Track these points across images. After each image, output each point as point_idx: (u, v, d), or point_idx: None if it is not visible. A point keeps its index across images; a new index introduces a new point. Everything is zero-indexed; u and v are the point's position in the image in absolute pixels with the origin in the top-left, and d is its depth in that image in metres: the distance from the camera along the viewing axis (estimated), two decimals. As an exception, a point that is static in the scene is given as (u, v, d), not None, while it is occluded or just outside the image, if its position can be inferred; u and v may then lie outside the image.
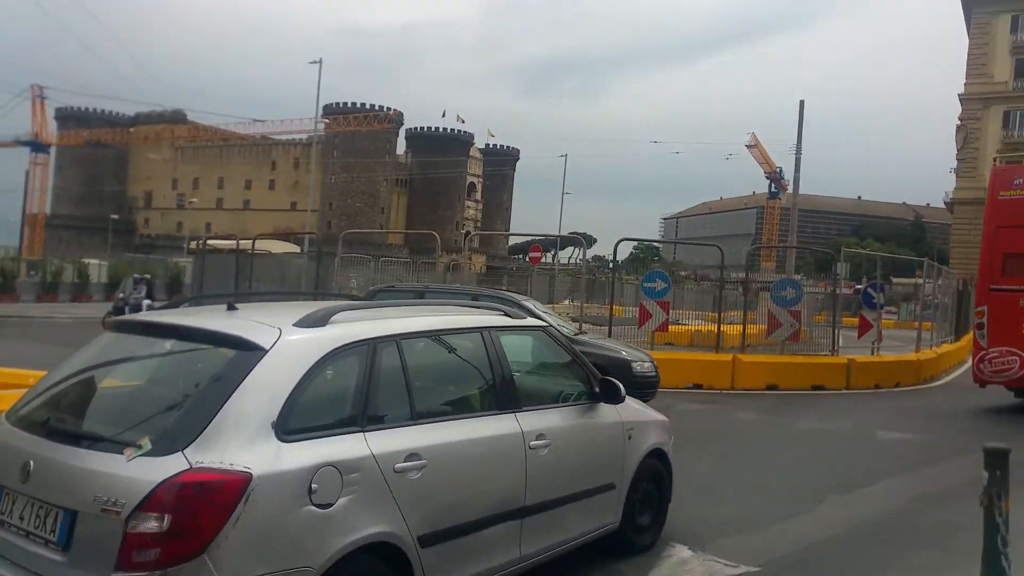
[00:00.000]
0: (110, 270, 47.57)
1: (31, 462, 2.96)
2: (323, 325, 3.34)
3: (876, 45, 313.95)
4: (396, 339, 3.59)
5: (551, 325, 5.74)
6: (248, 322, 3.34)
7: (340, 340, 3.33)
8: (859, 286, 20.50)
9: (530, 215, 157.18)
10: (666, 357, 13.27)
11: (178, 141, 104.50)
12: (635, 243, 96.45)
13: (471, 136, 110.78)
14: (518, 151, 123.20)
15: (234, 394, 2.91)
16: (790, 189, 47.86)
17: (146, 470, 2.70)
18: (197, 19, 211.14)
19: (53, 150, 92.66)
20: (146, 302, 18.27)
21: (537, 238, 79.42)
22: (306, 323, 3.29)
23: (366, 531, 3.11)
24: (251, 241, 22.88)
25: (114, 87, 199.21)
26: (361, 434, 3.22)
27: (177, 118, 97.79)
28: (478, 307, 4.87)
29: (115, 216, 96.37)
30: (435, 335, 4.05)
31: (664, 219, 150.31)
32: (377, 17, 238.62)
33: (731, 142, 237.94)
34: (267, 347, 3.08)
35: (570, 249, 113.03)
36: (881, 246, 72.69)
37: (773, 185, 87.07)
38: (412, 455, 3.37)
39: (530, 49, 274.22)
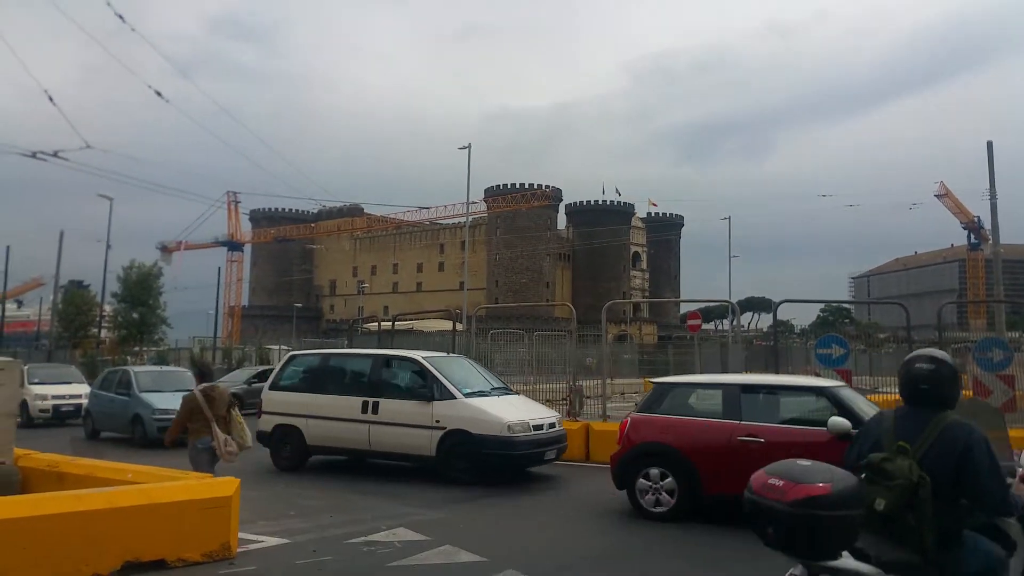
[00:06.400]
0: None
1: None
2: None
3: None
4: None
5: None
6: None
7: None
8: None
9: (705, 282, 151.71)
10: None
11: (356, 232, 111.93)
12: (822, 305, 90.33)
13: (631, 207, 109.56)
14: (682, 218, 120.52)
15: None
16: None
17: None
18: (365, 122, 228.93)
19: (248, 248, 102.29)
20: None
21: (712, 305, 76.31)
22: None
23: None
24: (391, 322, 22.74)
25: (299, 191, 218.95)
26: None
27: (354, 212, 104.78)
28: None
29: (299, 304, 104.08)
30: None
31: (853, 278, 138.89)
32: (530, 101, 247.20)
33: (910, 192, 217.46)
34: None
35: (750, 315, 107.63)
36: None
37: (972, 235, 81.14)
38: None
39: (684, 116, 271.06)
